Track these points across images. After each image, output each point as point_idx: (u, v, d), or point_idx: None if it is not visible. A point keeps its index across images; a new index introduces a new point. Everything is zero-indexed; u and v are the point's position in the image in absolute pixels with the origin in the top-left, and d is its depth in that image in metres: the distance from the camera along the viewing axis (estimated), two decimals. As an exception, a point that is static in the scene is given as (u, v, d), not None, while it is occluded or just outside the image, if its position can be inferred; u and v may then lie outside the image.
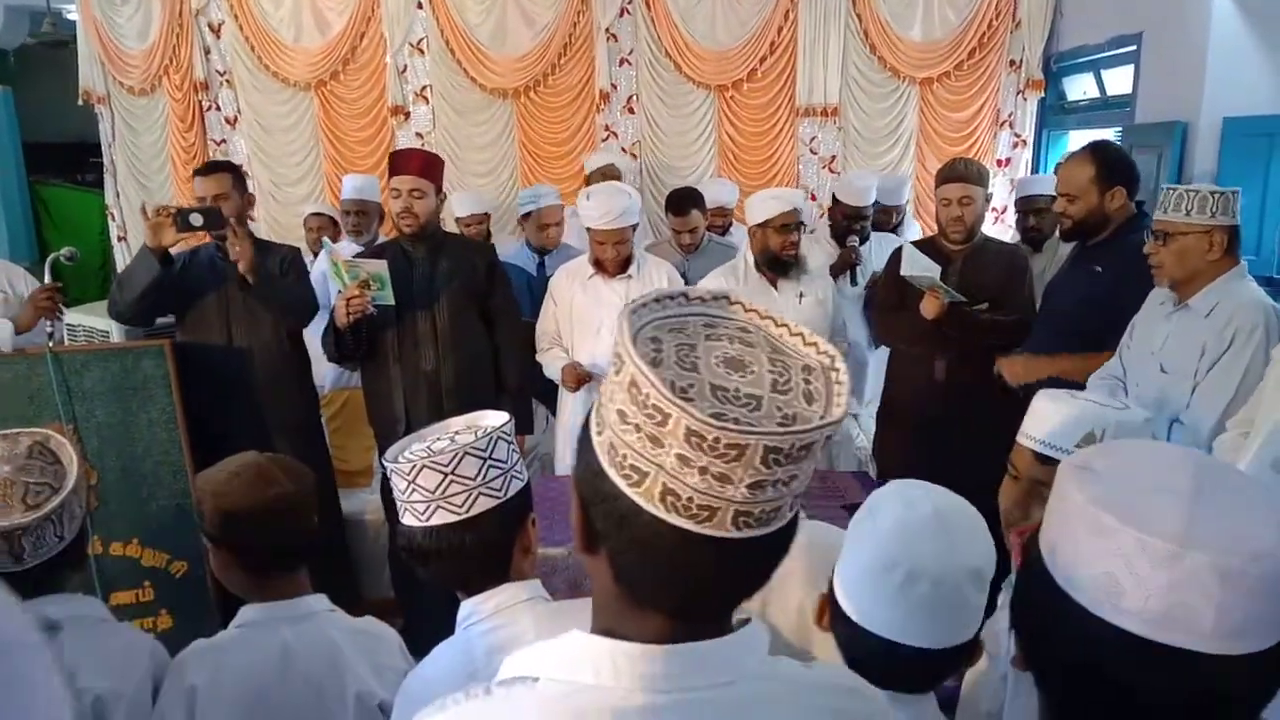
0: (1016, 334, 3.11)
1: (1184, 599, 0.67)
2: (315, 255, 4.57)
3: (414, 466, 1.22)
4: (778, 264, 3.32)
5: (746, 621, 0.76)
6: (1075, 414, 1.43)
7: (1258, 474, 1.82)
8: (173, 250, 2.97)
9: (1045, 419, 1.46)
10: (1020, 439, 1.51)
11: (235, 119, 5.62)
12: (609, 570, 0.72)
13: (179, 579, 2.94)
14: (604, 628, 0.74)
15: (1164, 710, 0.71)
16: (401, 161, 3.06)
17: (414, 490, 1.23)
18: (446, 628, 1.28)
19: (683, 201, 4.13)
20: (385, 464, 1.26)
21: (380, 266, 2.88)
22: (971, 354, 3.10)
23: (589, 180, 4.67)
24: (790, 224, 3.27)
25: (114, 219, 5.84)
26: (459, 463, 1.22)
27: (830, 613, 1.16)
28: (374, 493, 3.66)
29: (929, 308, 3.00)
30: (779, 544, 0.71)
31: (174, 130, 5.61)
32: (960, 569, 1.06)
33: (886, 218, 4.58)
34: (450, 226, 4.61)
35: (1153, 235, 2.41)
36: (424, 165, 3.05)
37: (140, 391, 2.87)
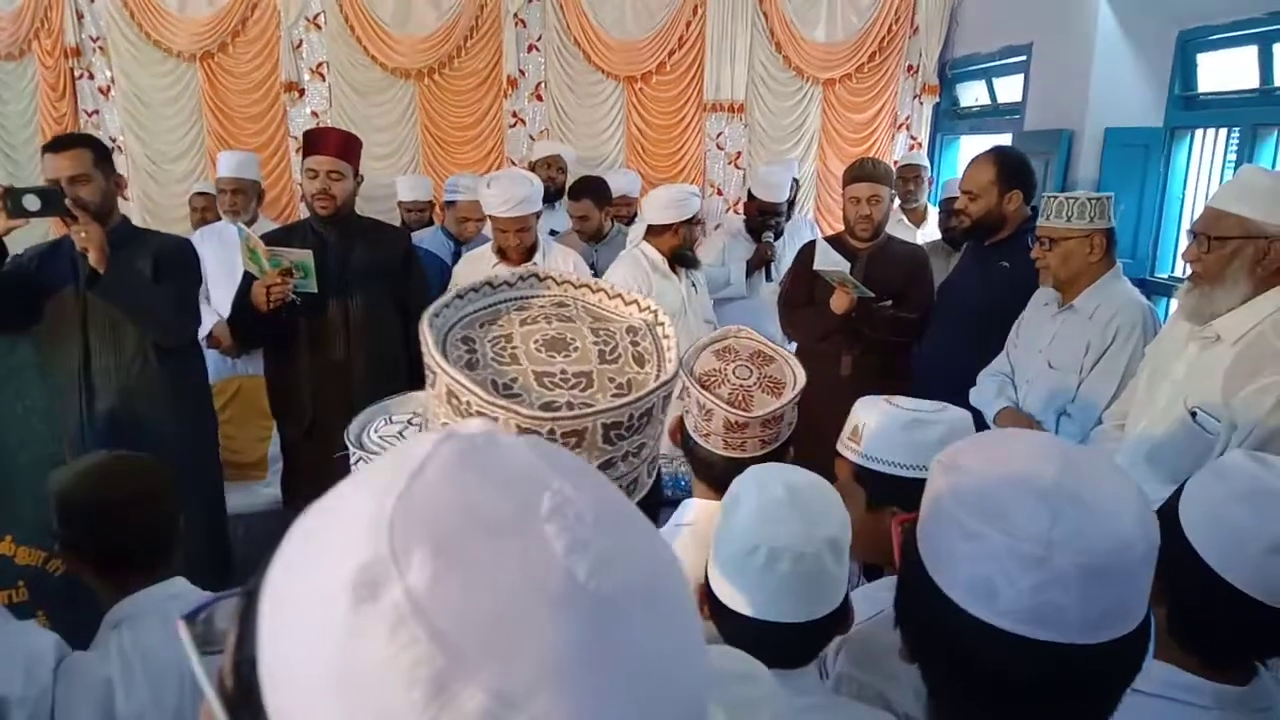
0: (919, 329, 3.22)
1: (1051, 597, 0.71)
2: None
3: None
4: (685, 259, 3.40)
5: None
6: (888, 421, 1.45)
7: (1132, 465, 1.94)
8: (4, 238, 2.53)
9: (861, 429, 1.47)
10: (840, 450, 1.52)
11: (108, 89, 5.27)
12: None
13: (57, 578, 2.74)
14: None
15: (1038, 693, 0.75)
16: (318, 141, 2.92)
17: None
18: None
19: (574, 190, 4.14)
20: (354, 453, 1.18)
21: (305, 255, 2.74)
22: (876, 349, 3.19)
23: (533, 169, 4.58)
24: (691, 220, 3.43)
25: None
26: None
27: (709, 602, 1.19)
28: (269, 485, 3.50)
29: (839, 302, 3.07)
30: (645, 513, 0.71)
31: (44, 99, 5.21)
32: (817, 541, 1.10)
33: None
34: (376, 209, 4.48)
35: (1037, 241, 2.54)
36: (342, 145, 2.92)
37: (12, 380, 2.65)
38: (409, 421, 1.23)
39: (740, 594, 1.12)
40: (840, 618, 1.16)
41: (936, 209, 4.54)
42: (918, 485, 0.87)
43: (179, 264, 2.74)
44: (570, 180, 4.47)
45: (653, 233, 3.39)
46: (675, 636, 0.41)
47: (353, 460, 1.20)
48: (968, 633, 0.74)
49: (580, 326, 0.70)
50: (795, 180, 4.82)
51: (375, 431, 1.21)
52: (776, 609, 1.10)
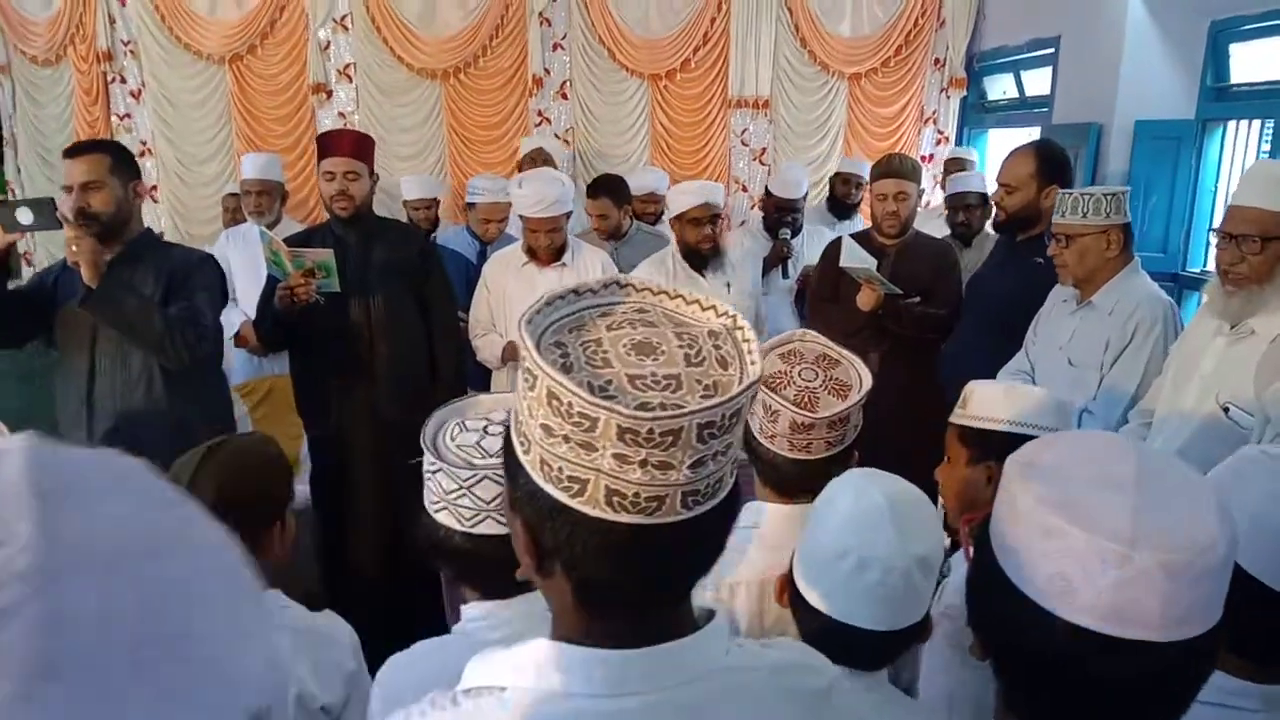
0: (947, 325, 3.21)
1: (1133, 595, 0.71)
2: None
3: (474, 476, 1.14)
4: (696, 256, 3.35)
5: (710, 614, 0.77)
6: (1003, 392, 1.63)
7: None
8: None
9: (977, 400, 1.64)
10: (951, 420, 1.68)
11: (139, 92, 5.35)
12: (567, 585, 0.72)
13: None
14: (566, 634, 0.73)
15: (1116, 689, 0.75)
16: (332, 143, 2.95)
17: (465, 495, 1.16)
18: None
19: (592, 188, 4.14)
20: (432, 461, 1.17)
21: (327, 255, 2.77)
22: (905, 346, 3.18)
23: (520, 165, 4.64)
24: (703, 218, 3.28)
25: (13, 194, 5.50)
26: None
27: (790, 593, 1.20)
28: (303, 483, 3.55)
29: (866, 299, 3.07)
30: (728, 511, 0.73)
31: (79, 103, 5.31)
32: (908, 557, 1.11)
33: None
34: (389, 209, 4.54)
35: (1054, 238, 2.52)
36: (356, 146, 2.95)
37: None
38: (485, 430, 1.20)
39: (823, 594, 1.14)
40: (920, 630, 1.17)
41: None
42: (1014, 440, 0.93)
43: (196, 281, 2.57)
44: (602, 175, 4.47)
45: (675, 226, 3.38)
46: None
47: (430, 468, 1.18)
48: (1044, 629, 0.74)
49: (664, 331, 0.72)
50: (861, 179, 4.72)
51: (452, 439, 1.20)
52: (859, 615, 1.11)
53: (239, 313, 3.79)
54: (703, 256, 3.34)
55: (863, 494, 1.15)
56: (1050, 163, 2.88)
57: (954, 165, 4.76)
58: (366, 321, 2.98)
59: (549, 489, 0.68)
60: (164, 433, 2.44)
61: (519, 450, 0.71)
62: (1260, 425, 1.70)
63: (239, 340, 3.80)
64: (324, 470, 3.10)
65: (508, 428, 0.74)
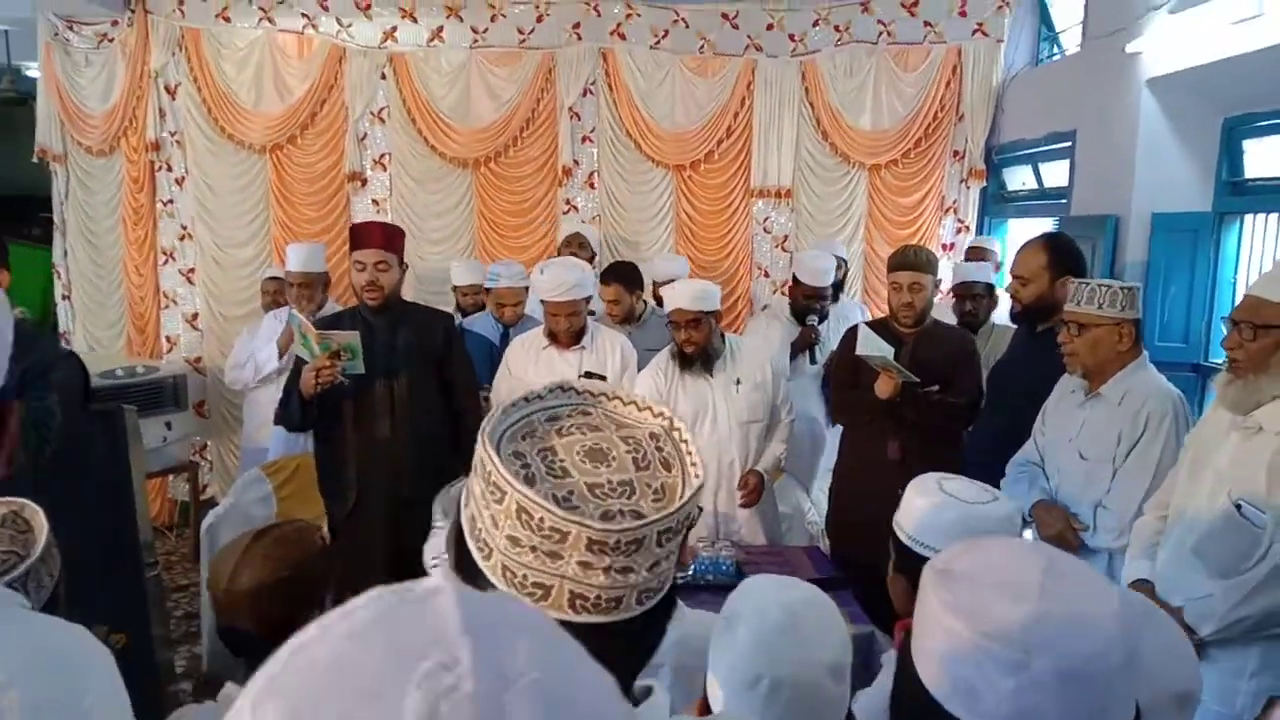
0: (968, 415, 3.21)
1: (1033, 701, 0.72)
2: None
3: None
4: (685, 359, 3.25)
5: (648, 690, 0.79)
6: (938, 509, 1.50)
7: (1177, 558, 1.90)
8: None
9: (912, 512, 1.53)
10: (893, 522, 1.58)
11: (183, 179, 5.58)
12: None
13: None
14: None
15: None
16: (364, 235, 3.07)
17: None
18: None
19: (605, 275, 4.27)
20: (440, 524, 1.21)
21: (353, 337, 2.87)
22: (925, 434, 3.18)
23: (559, 250, 4.91)
24: (679, 321, 3.19)
25: (59, 276, 5.72)
26: None
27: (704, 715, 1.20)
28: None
29: (884, 387, 3.09)
30: (671, 602, 0.76)
31: (127, 190, 5.55)
32: (818, 667, 1.12)
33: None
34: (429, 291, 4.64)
35: (1065, 326, 2.54)
36: (386, 238, 3.07)
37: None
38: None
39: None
40: None
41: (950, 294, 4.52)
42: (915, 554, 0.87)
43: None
44: (598, 260, 4.62)
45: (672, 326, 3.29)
46: None
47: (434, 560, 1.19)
48: None
49: (611, 435, 0.75)
50: (844, 260, 4.87)
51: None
52: None
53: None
54: (690, 359, 3.23)
55: (763, 613, 1.16)
56: (1062, 254, 2.93)
57: (975, 254, 4.83)
58: (390, 402, 3.05)
59: (511, 594, 0.69)
60: None
61: (477, 556, 0.72)
62: (1273, 524, 1.69)
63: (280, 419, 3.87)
64: (342, 549, 3.12)
65: (459, 533, 0.75)
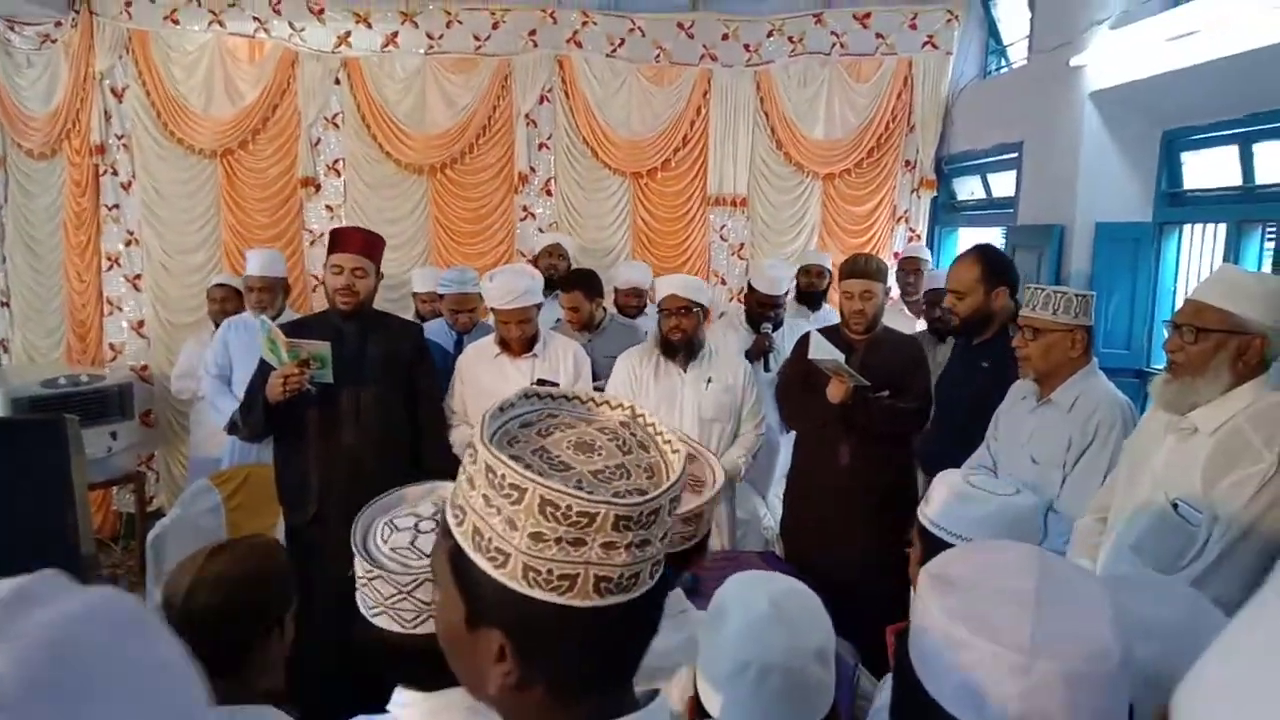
0: (916, 420, 3.26)
1: (1038, 704, 0.74)
2: (217, 326, 4.47)
3: (414, 580, 1.11)
4: (668, 346, 3.37)
5: (654, 694, 0.79)
6: (973, 502, 1.57)
7: (1118, 555, 1.95)
8: None
9: (946, 506, 1.60)
10: (918, 514, 1.66)
11: (130, 184, 5.46)
12: (542, 687, 0.74)
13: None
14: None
15: None
16: (344, 239, 3.05)
17: (405, 599, 1.13)
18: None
19: (566, 281, 4.30)
20: (365, 566, 1.14)
21: (323, 347, 2.83)
22: (874, 439, 3.22)
23: (537, 259, 4.92)
24: (671, 308, 3.31)
25: (-6, 285, 5.56)
26: None
27: (698, 717, 1.21)
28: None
29: (835, 391, 3.12)
30: (667, 577, 0.77)
31: (69, 194, 5.42)
32: (804, 653, 1.15)
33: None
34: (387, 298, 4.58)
35: (1020, 330, 2.58)
36: (367, 244, 3.05)
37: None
38: (416, 528, 1.18)
39: (733, 709, 1.15)
40: None
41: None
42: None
43: None
44: (574, 269, 4.63)
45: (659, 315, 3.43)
46: None
47: (364, 575, 1.14)
48: None
49: (587, 429, 0.77)
50: (827, 269, 4.84)
51: (384, 541, 1.17)
52: None
53: (234, 400, 3.80)
54: (674, 347, 3.36)
55: (749, 604, 1.19)
56: (995, 265, 2.98)
57: (909, 264, 4.93)
58: (355, 410, 3.02)
59: (536, 593, 0.69)
60: None
61: (489, 567, 0.71)
62: (1208, 522, 1.74)
63: (233, 427, 3.80)
64: (300, 558, 3.08)
65: (453, 550, 0.74)
